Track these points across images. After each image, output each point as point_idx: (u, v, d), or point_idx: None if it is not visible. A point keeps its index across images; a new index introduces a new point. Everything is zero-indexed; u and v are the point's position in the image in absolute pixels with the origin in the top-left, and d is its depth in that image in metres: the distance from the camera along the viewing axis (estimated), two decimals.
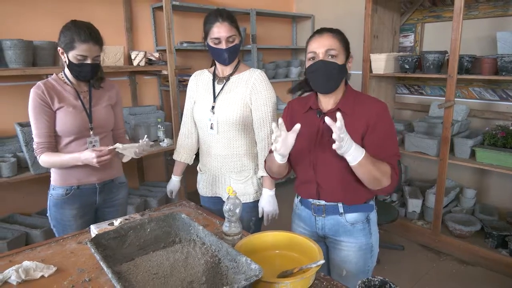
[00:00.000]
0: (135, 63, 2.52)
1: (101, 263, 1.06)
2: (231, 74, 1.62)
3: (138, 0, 2.87)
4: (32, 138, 2.03)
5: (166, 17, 2.51)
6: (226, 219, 1.31)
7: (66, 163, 1.54)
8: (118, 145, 1.52)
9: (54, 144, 1.57)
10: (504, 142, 2.50)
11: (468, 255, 2.61)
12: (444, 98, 2.98)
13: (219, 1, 3.34)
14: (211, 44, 1.54)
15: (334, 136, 1.07)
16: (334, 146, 1.10)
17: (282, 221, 1.81)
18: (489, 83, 2.77)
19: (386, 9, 2.98)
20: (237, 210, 1.29)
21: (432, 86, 3.12)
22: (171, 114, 3.18)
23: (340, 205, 1.33)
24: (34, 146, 1.54)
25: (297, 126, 1.14)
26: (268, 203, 1.63)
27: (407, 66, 2.78)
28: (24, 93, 2.43)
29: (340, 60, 1.26)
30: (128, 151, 1.55)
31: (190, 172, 1.92)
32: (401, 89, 3.34)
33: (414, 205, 2.98)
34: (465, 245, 2.61)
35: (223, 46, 1.52)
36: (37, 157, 1.54)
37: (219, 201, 1.75)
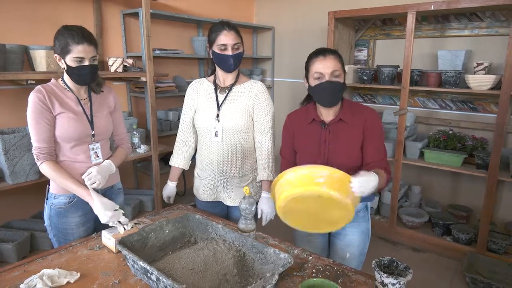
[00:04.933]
0: (112, 69, 2.49)
1: (141, 263, 1.12)
2: (233, 84, 1.73)
3: (108, 6, 2.84)
4: (13, 146, 1.98)
5: (146, 25, 2.53)
6: (242, 217, 1.43)
7: (65, 186, 1.52)
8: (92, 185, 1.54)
9: (54, 149, 1.54)
10: (445, 144, 2.94)
11: (419, 243, 3.00)
12: (393, 106, 3.40)
13: (189, 10, 3.41)
14: (217, 51, 1.63)
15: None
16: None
17: (278, 220, 1.94)
18: (431, 94, 3.21)
19: (344, 26, 3.31)
20: (253, 208, 1.42)
21: (383, 95, 3.51)
22: (143, 121, 3.18)
23: None
24: (35, 152, 1.49)
25: None
26: (266, 204, 1.75)
27: (365, 78, 3.11)
28: None
29: (341, 79, 1.44)
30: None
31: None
32: (356, 98, 3.69)
33: (372, 202, 3.31)
34: (416, 234, 3.00)
35: (229, 52, 1.63)
36: (38, 162, 1.50)
37: (218, 205, 1.84)
